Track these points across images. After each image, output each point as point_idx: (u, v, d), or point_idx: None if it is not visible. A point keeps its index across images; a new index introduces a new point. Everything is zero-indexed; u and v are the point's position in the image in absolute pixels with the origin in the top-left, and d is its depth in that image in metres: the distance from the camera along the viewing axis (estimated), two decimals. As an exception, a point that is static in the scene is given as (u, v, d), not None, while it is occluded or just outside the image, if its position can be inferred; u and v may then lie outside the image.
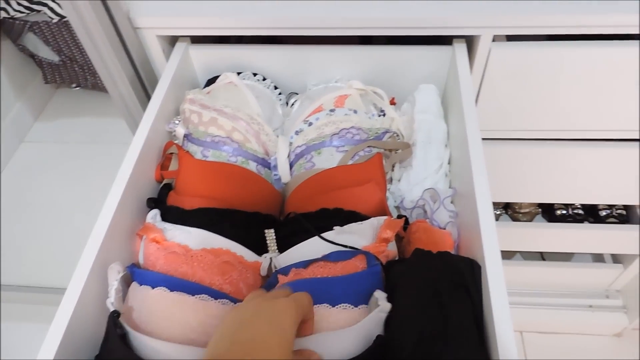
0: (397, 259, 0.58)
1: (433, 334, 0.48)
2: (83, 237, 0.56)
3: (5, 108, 1.76)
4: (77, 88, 1.95)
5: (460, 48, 0.73)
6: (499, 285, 0.51)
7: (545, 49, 0.72)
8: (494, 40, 0.71)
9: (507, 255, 1.31)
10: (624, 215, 1.09)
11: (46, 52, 1.70)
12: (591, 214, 1.14)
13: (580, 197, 1.00)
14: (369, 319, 0.47)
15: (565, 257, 1.29)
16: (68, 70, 1.77)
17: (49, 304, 1.36)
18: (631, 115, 0.80)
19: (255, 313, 0.42)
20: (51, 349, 0.48)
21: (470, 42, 0.74)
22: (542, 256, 1.32)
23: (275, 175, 0.70)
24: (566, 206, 1.14)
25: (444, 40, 0.74)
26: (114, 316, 0.50)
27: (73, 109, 1.94)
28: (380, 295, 0.49)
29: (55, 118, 1.92)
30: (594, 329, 1.34)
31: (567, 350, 1.35)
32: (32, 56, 1.75)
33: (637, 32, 0.68)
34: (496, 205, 1.21)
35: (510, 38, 0.73)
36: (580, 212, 1.13)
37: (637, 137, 0.84)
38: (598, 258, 1.28)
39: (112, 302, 0.52)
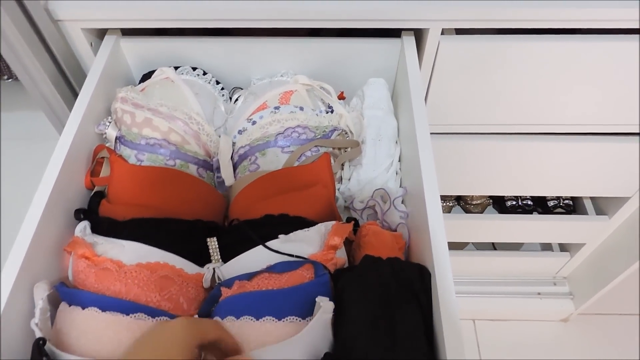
0: (346, 266, 0.56)
1: (382, 345, 0.46)
2: (9, 241, 0.50)
3: None
4: (9, 80, 1.81)
5: (408, 41, 0.71)
6: (449, 292, 0.50)
7: (494, 43, 0.70)
8: (442, 34, 0.69)
9: (459, 245, 1.33)
10: (571, 206, 1.12)
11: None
12: (540, 204, 1.16)
13: (529, 189, 1.02)
14: (313, 324, 0.45)
15: (515, 246, 1.32)
16: (-2, 61, 1.63)
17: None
18: (577, 109, 0.81)
19: (139, 342, 0.40)
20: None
21: (419, 35, 0.72)
22: (494, 245, 1.34)
23: (218, 177, 0.66)
24: (516, 197, 1.16)
25: (393, 33, 0.72)
26: (39, 344, 0.45)
27: (5, 103, 1.80)
28: (321, 299, 0.46)
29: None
30: (543, 315, 1.38)
31: (518, 336, 1.39)
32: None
33: (585, 27, 0.68)
34: (448, 197, 1.21)
35: (460, 32, 0.71)
36: (530, 202, 1.15)
37: (584, 131, 0.85)
38: (546, 247, 1.32)
39: (36, 323, 0.47)
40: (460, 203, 1.22)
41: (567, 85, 0.76)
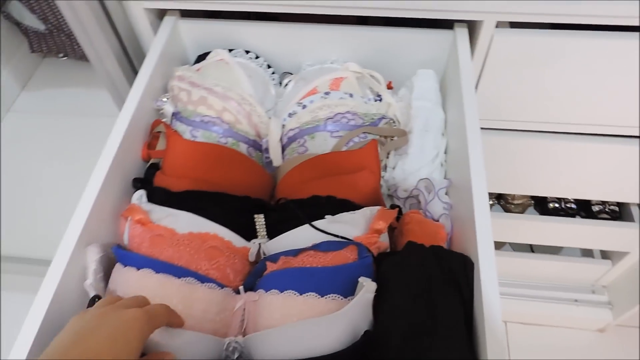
0: (388, 251, 0.57)
1: (421, 329, 0.47)
2: (67, 210, 0.53)
3: (-10, 77, 1.71)
4: (65, 58, 1.89)
5: (461, 33, 0.70)
6: (492, 284, 0.50)
7: (549, 38, 0.69)
8: (497, 27, 0.68)
9: (496, 245, 1.31)
10: (616, 212, 1.09)
11: (31, 20, 1.64)
12: (584, 208, 1.13)
13: (574, 192, 0.99)
14: (355, 303, 0.46)
15: (554, 249, 1.29)
16: (54, 39, 1.71)
17: (35, 275, 1.35)
18: (632, 111, 0.78)
19: (96, 325, 0.38)
20: (31, 330, 0.46)
21: (472, 27, 0.71)
22: (531, 248, 1.32)
23: (266, 158, 0.68)
24: (559, 200, 1.13)
25: (445, 24, 0.72)
26: (95, 301, 0.48)
27: (60, 79, 1.88)
28: (364, 279, 0.47)
29: (42, 88, 1.87)
30: (578, 323, 1.35)
31: (550, 342, 1.36)
32: (18, 24, 1.69)
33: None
34: (489, 195, 1.20)
35: (514, 25, 0.70)
36: (573, 206, 1.12)
37: (637, 134, 0.83)
38: (587, 253, 1.29)
39: (90, 284, 0.50)
40: (500, 202, 1.21)
41: (623, 85, 0.74)
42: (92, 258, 0.52)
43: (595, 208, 1.09)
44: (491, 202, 1.20)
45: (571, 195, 1.00)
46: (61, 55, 1.85)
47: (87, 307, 0.49)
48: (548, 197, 1.15)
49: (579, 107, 0.79)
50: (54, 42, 1.73)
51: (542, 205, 1.17)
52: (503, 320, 1.38)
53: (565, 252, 1.29)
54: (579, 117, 0.81)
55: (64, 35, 1.67)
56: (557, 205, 1.13)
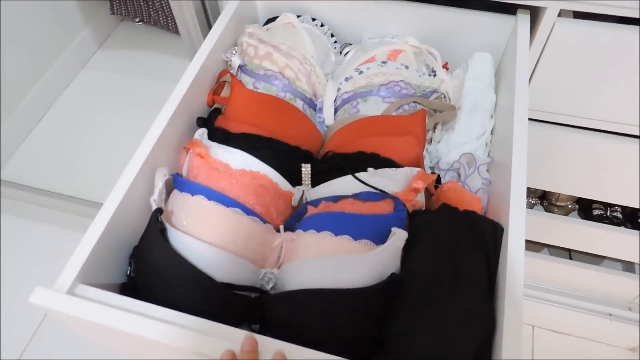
0: (423, 209, 0.59)
1: (444, 280, 0.50)
2: (126, 160, 0.58)
3: (73, 33, 1.85)
4: (140, 23, 2.02)
5: (523, 19, 0.72)
6: (519, 251, 0.52)
7: (613, 32, 0.69)
8: (559, 15, 0.69)
9: (534, 248, 1.30)
10: (664, 226, 1.06)
11: (116, -16, 1.76)
12: (630, 220, 1.11)
13: (622, 199, 0.98)
14: (385, 247, 0.50)
15: (593, 260, 1.26)
16: (134, 3, 1.83)
17: (84, 216, 1.47)
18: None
19: None
20: (96, 232, 0.52)
21: (535, 14, 0.72)
22: (570, 256, 1.30)
23: (319, 117, 0.72)
24: (605, 207, 1.11)
25: (509, 9, 0.73)
26: (157, 213, 0.54)
27: (134, 42, 2.00)
28: (396, 229, 0.51)
29: (116, 48, 1.99)
30: (610, 338, 1.31)
31: (577, 353, 1.34)
32: (103, -14, 1.82)
33: None
34: (532, 193, 1.19)
35: (578, 15, 0.71)
36: (619, 215, 1.10)
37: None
38: (629, 267, 1.25)
39: (154, 200, 0.56)
40: (543, 203, 1.20)
41: (685, 88, 0.73)
42: (160, 178, 0.58)
43: (643, 219, 1.07)
44: (533, 202, 1.20)
45: (619, 202, 0.98)
46: (137, 20, 1.98)
47: (150, 219, 0.55)
48: (594, 203, 1.13)
49: (635, 108, 0.78)
50: (133, 7, 1.84)
51: (586, 212, 1.15)
52: (531, 324, 1.37)
53: (606, 264, 1.27)
54: (635, 118, 0.80)
55: (143, 1, 1.78)
56: (602, 212, 1.11)
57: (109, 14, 1.93)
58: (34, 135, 1.71)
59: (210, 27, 0.85)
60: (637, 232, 1.07)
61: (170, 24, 1.82)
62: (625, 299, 1.29)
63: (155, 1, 1.77)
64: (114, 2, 1.86)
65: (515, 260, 0.51)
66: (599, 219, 1.11)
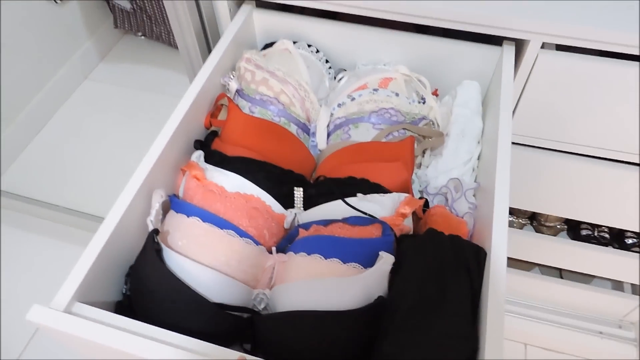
0: (410, 234, 0.62)
1: (429, 303, 0.52)
2: (125, 173, 0.60)
3: (76, 45, 1.88)
4: (142, 37, 2.05)
5: (508, 50, 0.75)
6: (500, 274, 0.54)
7: (592, 63, 0.72)
8: (542, 47, 0.72)
9: (525, 267, 1.32)
10: (651, 247, 1.09)
11: (120, -1, 1.80)
12: (617, 240, 1.14)
13: (609, 220, 1.00)
14: (373, 270, 0.52)
15: (583, 279, 1.29)
16: (137, 18, 1.86)
17: (81, 228, 1.49)
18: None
19: None
20: (94, 250, 0.55)
21: (519, 45, 0.76)
22: (561, 275, 1.32)
23: (312, 142, 0.75)
24: (592, 228, 1.14)
25: (494, 40, 0.76)
26: (153, 233, 0.56)
27: (136, 56, 2.04)
28: (384, 253, 0.53)
29: (118, 62, 2.03)
30: (600, 356, 1.33)
31: (568, 371, 1.35)
32: (107, 0, 1.85)
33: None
34: (522, 214, 1.22)
35: (560, 48, 0.74)
36: (606, 235, 1.12)
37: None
38: (618, 286, 1.27)
39: (151, 220, 0.58)
40: (533, 223, 1.22)
41: (664, 118, 0.76)
42: (157, 199, 0.60)
43: (629, 241, 1.09)
44: (523, 222, 1.22)
45: (605, 223, 1.00)
46: (140, 34, 2.01)
47: (147, 238, 0.57)
48: (582, 223, 1.16)
49: (619, 135, 0.81)
50: (136, 21, 1.88)
51: (574, 232, 1.18)
52: (523, 342, 1.39)
53: (595, 283, 1.29)
54: (619, 144, 0.83)
55: (146, 16, 1.82)
56: (590, 232, 1.13)
57: (112, 27, 1.97)
58: (33, 146, 1.74)
59: (209, 50, 0.88)
60: (624, 252, 1.09)
61: (172, 40, 1.86)
62: (615, 317, 1.31)
63: (157, 17, 1.81)
64: (118, 17, 1.90)
65: (497, 280, 0.53)
66: (587, 239, 1.14)
